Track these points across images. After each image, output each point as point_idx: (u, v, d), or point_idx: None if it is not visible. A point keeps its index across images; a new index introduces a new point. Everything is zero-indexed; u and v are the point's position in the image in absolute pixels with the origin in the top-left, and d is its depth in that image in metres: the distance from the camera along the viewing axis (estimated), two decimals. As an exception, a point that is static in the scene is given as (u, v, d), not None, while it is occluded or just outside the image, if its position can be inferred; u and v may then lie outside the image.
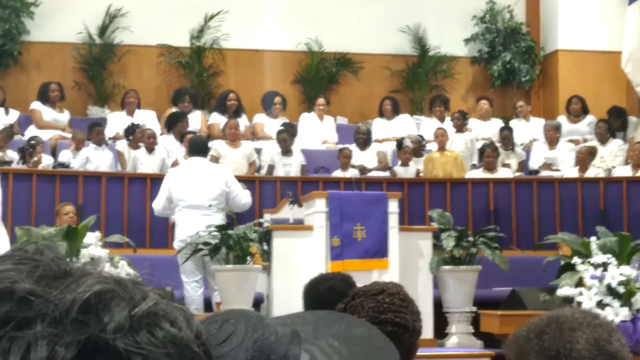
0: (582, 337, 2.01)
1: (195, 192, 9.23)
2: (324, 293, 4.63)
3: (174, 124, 12.48)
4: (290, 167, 11.80)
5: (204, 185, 9.26)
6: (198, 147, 9.68)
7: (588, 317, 2.06)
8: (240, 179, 10.08)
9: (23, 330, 0.78)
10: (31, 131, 12.47)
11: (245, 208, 9.54)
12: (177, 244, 9.19)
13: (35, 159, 11.04)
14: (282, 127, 12.39)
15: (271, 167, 11.79)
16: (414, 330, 3.20)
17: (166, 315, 0.83)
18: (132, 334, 0.80)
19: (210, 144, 11.66)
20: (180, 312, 0.85)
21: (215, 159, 11.44)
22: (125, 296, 0.82)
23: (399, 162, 12.22)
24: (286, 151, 11.90)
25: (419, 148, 12.56)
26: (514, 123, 13.78)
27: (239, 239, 8.13)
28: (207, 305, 9.18)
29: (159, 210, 9.52)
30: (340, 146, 12.71)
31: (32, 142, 11.34)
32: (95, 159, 11.66)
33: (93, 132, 11.87)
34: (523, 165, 12.78)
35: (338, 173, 11.81)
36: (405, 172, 12.00)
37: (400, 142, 12.39)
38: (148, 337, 0.81)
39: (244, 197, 9.47)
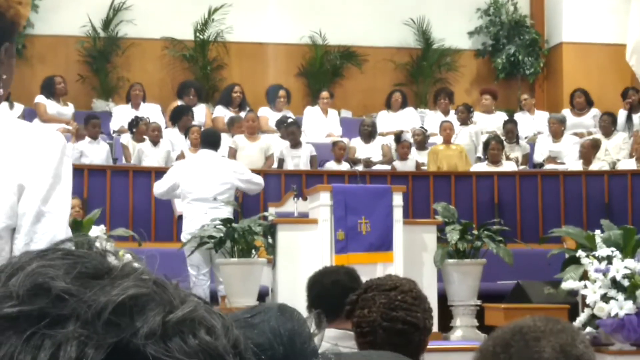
0: (547, 346, 2.01)
1: (204, 185, 9.24)
2: (328, 286, 4.63)
3: (179, 117, 12.49)
4: (299, 159, 11.80)
5: (213, 178, 9.28)
6: (210, 139, 9.70)
7: (550, 324, 2.07)
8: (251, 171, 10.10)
9: (55, 328, 0.78)
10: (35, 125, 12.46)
11: (260, 186, 9.58)
12: (184, 237, 9.21)
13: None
14: (291, 120, 12.40)
15: (281, 161, 11.80)
16: (424, 328, 3.20)
17: (202, 322, 0.82)
18: (164, 341, 0.79)
19: (230, 137, 11.76)
20: (219, 318, 0.84)
21: (234, 152, 11.49)
22: (162, 301, 0.82)
23: (398, 156, 12.22)
24: (295, 144, 11.90)
25: (423, 140, 12.56)
26: (518, 116, 13.78)
27: (244, 232, 8.13)
28: (213, 298, 9.19)
29: (161, 192, 9.50)
30: (345, 139, 12.73)
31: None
32: (90, 153, 11.63)
33: (89, 125, 11.84)
34: (527, 159, 12.77)
35: (332, 165, 11.81)
36: (404, 165, 12.00)
37: (398, 136, 12.40)
38: (180, 345, 0.80)
39: (255, 177, 9.54)
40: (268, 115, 13.26)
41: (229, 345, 0.83)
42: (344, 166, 11.72)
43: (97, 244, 0.86)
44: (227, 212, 9.04)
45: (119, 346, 0.78)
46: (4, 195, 2.06)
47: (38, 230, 2.08)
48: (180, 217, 9.94)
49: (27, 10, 2.25)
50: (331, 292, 4.37)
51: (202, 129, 12.15)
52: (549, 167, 12.45)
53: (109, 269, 0.84)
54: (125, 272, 0.84)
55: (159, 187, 9.51)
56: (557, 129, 12.85)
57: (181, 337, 0.80)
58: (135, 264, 0.86)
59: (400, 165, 12.03)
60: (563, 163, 12.46)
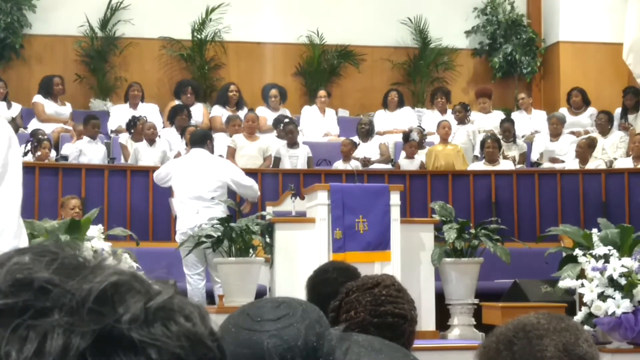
0: (550, 344, 2.02)
1: (196, 184, 9.24)
2: (324, 296, 4.53)
3: (174, 116, 12.52)
4: (297, 159, 11.80)
5: (204, 177, 9.27)
6: (196, 138, 9.72)
7: (554, 322, 2.08)
8: (245, 171, 10.09)
9: (40, 318, 0.80)
10: (33, 124, 12.48)
11: (255, 193, 9.56)
12: (178, 237, 9.21)
13: (39, 153, 11.05)
14: (287, 120, 12.40)
15: (277, 160, 11.80)
16: (411, 319, 3.22)
17: (181, 310, 0.85)
18: (147, 326, 0.82)
19: (227, 136, 11.80)
20: (195, 308, 0.86)
21: (233, 151, 11.52)
22: (141, 289, 0.84)
23: (404, 155, 12.18)
24: (292, 143, 11.89)
25: (420, 139, 12.57)
26: (515, 115, 13.78)
27: (242, 232, 8.14)
28: (210, 297, 9.19)
29: (157, 178, 9.70)
30: (342, 138, 12.73)
31: (40, 136, 11.32)
32: (88, 152, 11.65)
33: (89, 125, 11.85)
34: (524, 157, 12.78)
35: (339, 164, 11.81)
36: (411, 164, 11.99)
37: (407, 135, 12.35)
38: (162, 330, 0.82)
39: (249, 182, 9.50)
40: (266, 115, 13.25)
41: (207, 332, 0.86)
42: (353, 164, 11.69)
43: (66, 246, 0.88)
44: (219, 211, 9.00)
45: (103, 333, 0.80)
46: None
47: None
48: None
49: None
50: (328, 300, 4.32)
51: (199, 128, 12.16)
52: (546, 165, 12.46)
53: (86, 262, 0.86)
54: (104, 264, 0.86)
55: (157, 174, 9.73)
56: (558, 128, 12.87)
57: (163, 323, 0.82)
58: (111, 259, 0.88)
59: (406, 164, 12.01)
60: (563, 161, 12.46)
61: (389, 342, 2.47)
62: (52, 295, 0.81)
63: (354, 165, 11.70)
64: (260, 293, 8.60)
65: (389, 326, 3.14)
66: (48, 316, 0.80)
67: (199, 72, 14.35)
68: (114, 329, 0.80)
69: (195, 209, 9.10)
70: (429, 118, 13.68)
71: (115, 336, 0.80)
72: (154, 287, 0.85)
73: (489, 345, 2.07)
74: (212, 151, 9.89)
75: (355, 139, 12.67)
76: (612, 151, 12.57)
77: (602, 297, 7.14)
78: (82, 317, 0.80)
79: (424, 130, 12.92)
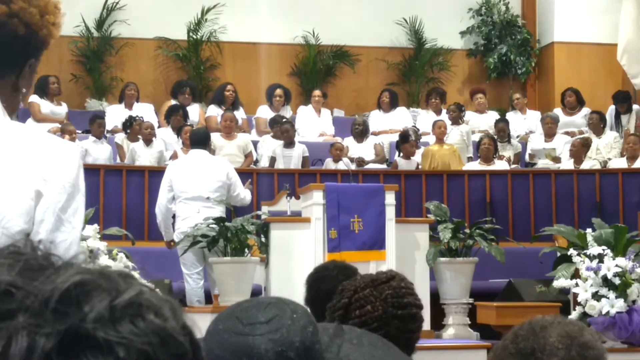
0: (553, 332, 2.07)
1: (196, 184, 9.19)
2: (324, 295, 4.55)
3: (169, 116, 12.51)
4: (291, 158, 11.79)
5: (205, 177, 9.23)
6: (198, 139, 9.66)
7: (558, 318, 2.14)
8: (237, 171, 10.09)
9: (5, 321, 0.79)
10: (29, 124, 12.48)
11: (244, 203, 9.54)
12: (177, 236, 9.18)
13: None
14: (284, 119, 12.40)
15: (273, 159, 11.80)
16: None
17: (150, 306, 0.84)
18: (113, 324, 0.81)
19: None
20: (166, 302, 0.85)
21: (212, 152, 11.47)
22: (107, 287, 0.83)
23: (401, 154, 12.10)
24: (289, 143, 11.89)
25: (416, 139, 12.56)
26: (510, 115, 13.82)
27: (237, 231, 8.15)
28: (208, 297, 9.19)
29: (162, 206, 9.22)
30: (338, 138, 12.75)
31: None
32: (94, 152, 11.66)
33: (94, 124, 11.84)
34: (519, 158, 12.81)
35: (330, 165, 11.81)
36: (408, 164, 11.96)
37: (406, 135, 12.24)
38: (130, 327, 0.81)
39: (243, 193, 9.48)
40: (267, 115, 13.21)
41: (178, 327, 0.85)
42: (341, 165, 11.71)
43: (41, 246, 0.88)
44: (219, 211, 9.03)
45: (69, 333, 0.80)
46: (21, 199, 2.05)
47: (56, 238, 2.08)
48: (173, 216, 9.93)
49: (58, 32, 2.28)
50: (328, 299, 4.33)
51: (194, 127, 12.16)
52: (541, 163, 12.48)
53: (52, 263, 0.85)
54: (71, 264, 0.85)
55: (160, 199, 9.26)
56: (553, 129, 12.90)
57: (130, 320, 0.82)
58: (81, 257, 0.87)
59: (403, 164, 11.97)
60: (560, 161, 12.46)
61: (377, 340, 2.49)
62: (16, 297, 0.81)
63: (343, 165, 11.67)
64: (256, 292, 8.61)
65: (412, 317, 3.12)
66: (12, 319, 0.79)
67: (195, 72, 14.36)
68: (80, 328, 0.80)
69: (196, 208, 9.09)
70: (423, 118, 13.70)
71: (81, 336, 0.80)
72: (122, 284, 0.84)
73: (497, 346, 2.16)
74: (211, 152, 9.87)
75: (350, 139, 12.69)
76: (606, 151, 12.60)
77: (596, 296, 7.17)
78: (46, 318, 0.80)
79: (418, 130, 12.94)
